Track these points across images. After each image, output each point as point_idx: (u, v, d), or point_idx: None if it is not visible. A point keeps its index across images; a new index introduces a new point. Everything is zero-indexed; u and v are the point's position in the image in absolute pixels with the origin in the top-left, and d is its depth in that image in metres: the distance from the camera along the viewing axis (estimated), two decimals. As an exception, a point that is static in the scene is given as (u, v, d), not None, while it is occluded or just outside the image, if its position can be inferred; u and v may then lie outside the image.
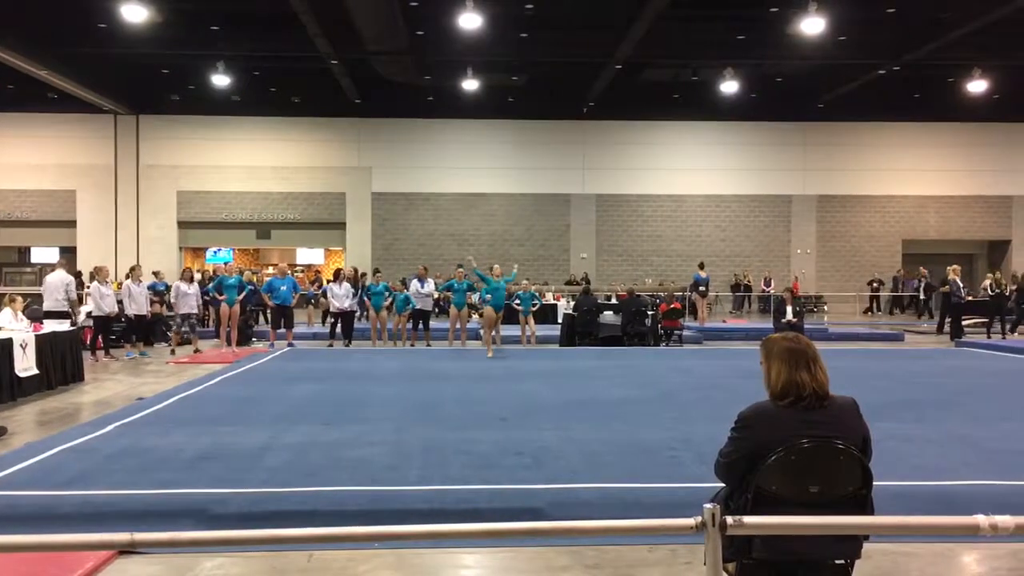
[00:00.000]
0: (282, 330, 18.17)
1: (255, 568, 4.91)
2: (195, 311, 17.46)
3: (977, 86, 25.52)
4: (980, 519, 2.35)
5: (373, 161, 31.53)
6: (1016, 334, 20.27)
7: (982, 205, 32.32)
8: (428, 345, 18.54)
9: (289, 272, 19.63)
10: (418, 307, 18.85)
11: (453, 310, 18.47)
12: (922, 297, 28.44)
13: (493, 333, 17.38)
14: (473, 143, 31.54)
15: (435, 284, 19.95)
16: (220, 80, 25.71)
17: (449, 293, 18.86)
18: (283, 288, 17.92)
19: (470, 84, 26.25)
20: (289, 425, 8.65)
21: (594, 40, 23.27)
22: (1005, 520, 2.33)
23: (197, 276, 19.87)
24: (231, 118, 30.76)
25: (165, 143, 31.16)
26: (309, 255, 34.82)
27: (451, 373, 13.33)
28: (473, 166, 31.45)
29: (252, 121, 30.96)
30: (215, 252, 33.15)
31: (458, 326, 18.44)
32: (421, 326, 18.93)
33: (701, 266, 25.18)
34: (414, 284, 19.14)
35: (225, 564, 4.92)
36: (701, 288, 24.21)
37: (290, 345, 17.90)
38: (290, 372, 13.50)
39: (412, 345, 18.53)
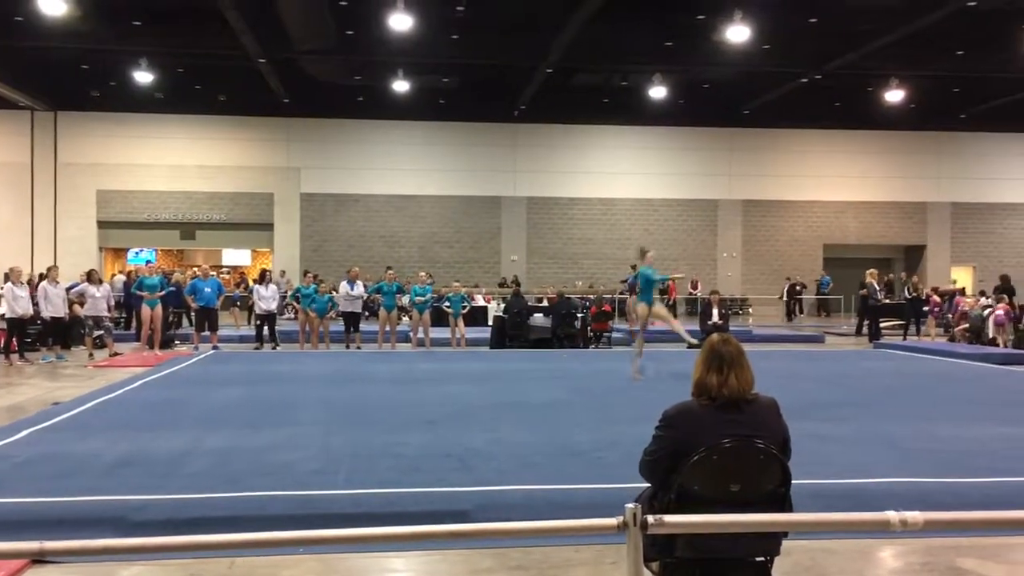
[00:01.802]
0: (206, 333, 17.82)
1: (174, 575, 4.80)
2: (105, 314, 16.98)
3: (894, 95, 26.34)
4: (891, 515, 2.42)
5: (302, 161, 31.13)
6: (920, 336, 20.94)
7: (899, 211, 33.37)
8: (358, 348, 18.38)
9: (213, 274, 19.25)
10: (348, 309, 18.69)
11: (383, 312, 18.38)
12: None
13: (421, 335, 17.37)
14: (404, 144, 31.38)
15: (364, 286, 19.78)
16: (142, 77, 25.09)
17: (379, 295, 18.73)
18: (207, 290, 17.57)
19: (401, 85, 26.11)
20: (212, 429, 8.47)
21: (525, 44, 23.35)
22: (915, 516, 2.40)
23: (122, 277, 19.37)
24: (154, 116, 30.04)
25: (85, 141, 30.27)
26: (236, 256, 34.20)
27: (380, 376, 13.23)
28: (404, 168, 31.29)
29: (176, 119, 30.28)
30: (137, 253, 32.33)
31: (387, 328, 18.34)
32: (352, 328, 18.76)
33: (634, 267, 25.29)
34: (344, 286, 18.97)
35: (143, 572, 4.79)
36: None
37: (215, 348, 17.55)
38: (214, 375, 13.24)
39: (348, 347, 18.36)
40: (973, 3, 19.34)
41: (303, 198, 31.23)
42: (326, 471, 6.76)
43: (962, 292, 21.68)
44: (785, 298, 30.47)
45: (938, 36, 22.24)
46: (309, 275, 19.46)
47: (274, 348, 18.11)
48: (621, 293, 28.69)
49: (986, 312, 19.44)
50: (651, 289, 12.46)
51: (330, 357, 16.58)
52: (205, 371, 13.90)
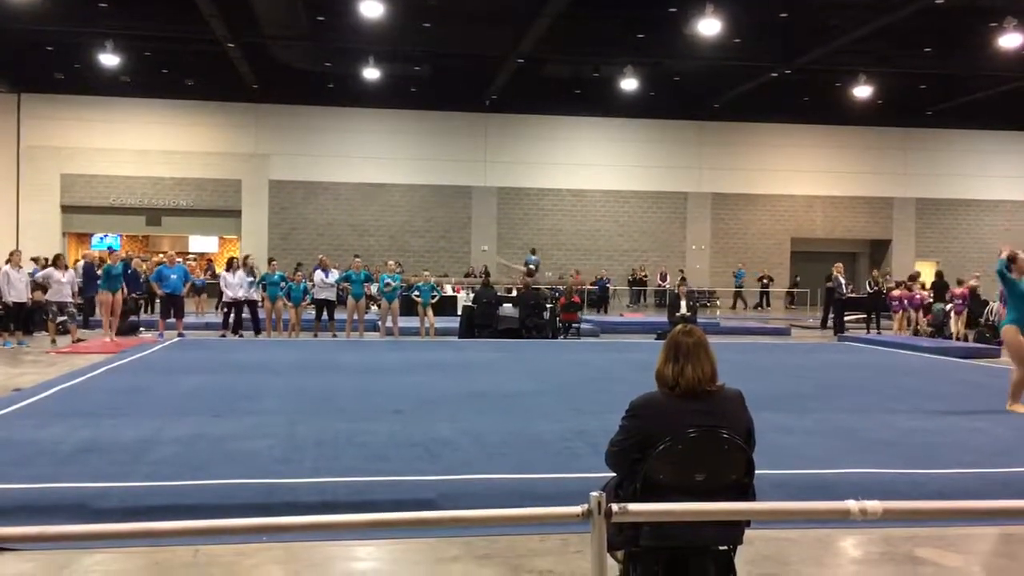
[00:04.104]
0: (172, 320, 17.63)
1: (137, 564, 4.75)
2: (69, 300, 16.72)
3: (862, 91, 26.62)
4: (851, 504, 2.45)
5: (271, 148, 30.87)
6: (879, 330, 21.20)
7: (865, 206, 33.77)
8: (334, 336, 18.29)
9: (180, 260, 19.04)
10: (322, 297, 18.62)
11: (351, 301, 18.31)
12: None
13: (389, 324, 17.35)
14: (375, 132, 31.21)
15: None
16: (108, 60, 24.72)
17: (347, 284, 18.65)
18: (173, 276, 17.38)
19: (372, 73, 25.96)
20: (176, 417, 8.39)
21: (497, 33, 23.31)
22: (874, 505, 2.43)
23: (83, 263, 19.09)
24: (120, 99, 29.64)
25: (48, 124, 29.79)
26: (203, 243, 33.87)
27: (347, 365, 13.17)
28: (374, 156, 31.13)
29: (143, 103, 29.89)
30: (101, 238, 31.92)
31: (355, 317, 18.28)
32: (326, 316, 18.67)
33: (533, 251, 25.19)
34: (318, 274, 18.88)
35: (105, 560, 4.74)
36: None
37: (180, 335, 17.37)
38: (179, 363, 13.10)
39: (316, 335, 18.26)
40: (940, 1, 19.56)
41: (272, 185, 30.98)
42: (291, 459, 6.72)
43: (922, 287, 21.95)
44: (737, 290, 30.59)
45: (906, 33, 22.51)
46: (274, 263, 19.32)
47: (241, 336, 17.97)
48: (592, 284, 28.86)
49: (948, 307, 19.73)
50: None
51: (297, 346, 16.48)
52: (170, 359, 13.75)
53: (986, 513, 3.40)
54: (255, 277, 18.54)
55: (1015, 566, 5.11)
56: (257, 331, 18.20)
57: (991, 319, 18.79)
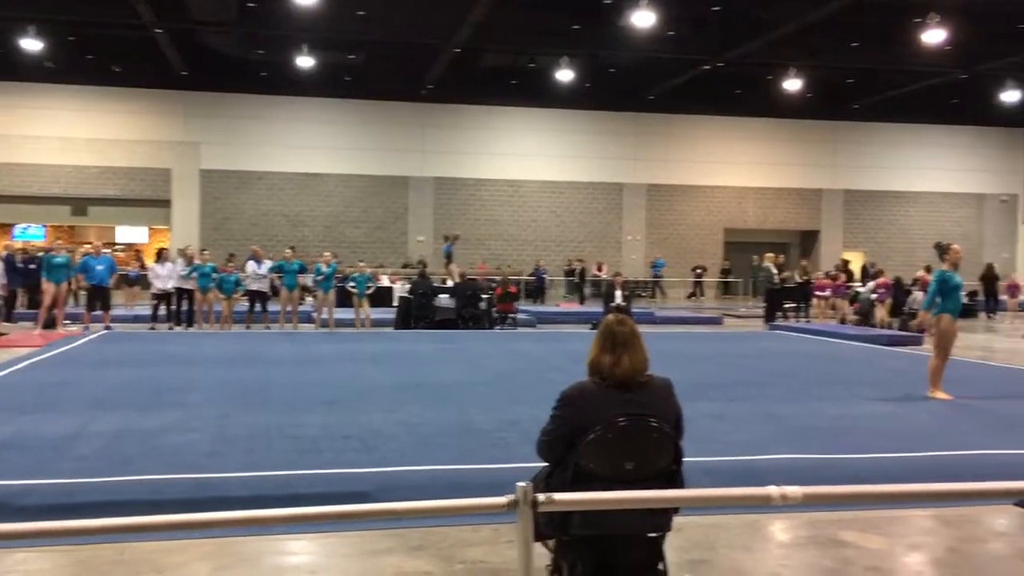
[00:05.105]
0: (99, 312, 17.20)
1: (60, 563, 4.64)
2: None
3: (792, 84, 27.12)
4: (772, 490, 2.51)
5: (201, 136, 30.22)
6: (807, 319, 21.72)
7: (795, 197, 34.45)
8: (267, 328, 18.04)
9: (107, 251, 18.58)
10: (255, 288, 18.34)
11: (284, 292, 18.10)
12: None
13: (325, 315, 17.18)
14: (309, 122, 30.78)
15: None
16: (30, 44, 23.91)
17: (280, 275, 18.42)
18: (99, 268, 16.94)
19: (305, 61, 25.58)
20: (103, 412, 8.19)
21: (433, 22, 23.17)
22: (794, 490, 2.49)
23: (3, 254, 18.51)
24: (44, 85, 28.69)
25: (-33, 110, 28.73)
26: (131, 233, 33.03)
27: (280, 356, 13.01)
28: (309, 145, 30.71)
29: (67, 90, 28.98)
30: (24, 229, 30.95)
31: (289, 308, 18.07)
32: (259, 308, 18.41)
33: (447, 238, 25.05)
34: (251, 265, 18.60)
35: (27, 559, 4.62)
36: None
37: (107, 328, 16.96)
38: (106, 356, 12.79)
39: (249, 327, 17.98)
40: (867, -3, 20.03)
41: (203, 174, 30.36)
42: (221, 453, 6.63)
43: (848, 276, 22.58)
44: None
45: (834, 28, 22.99)
46: (206, 253, 18.98)
47: (171, 328, 17.63)
48: (531, 275, 28.98)
49: (873, 296, 20.28)
50: None
51: (229, 338, 16.22)
52: (96, 352, 13.43)
53: (904, 496, 3.51)
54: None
55: (935, 545, 5.29)
56: (189, 323, 17.86)
57: (913, 308, 19.39)
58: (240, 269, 19.08)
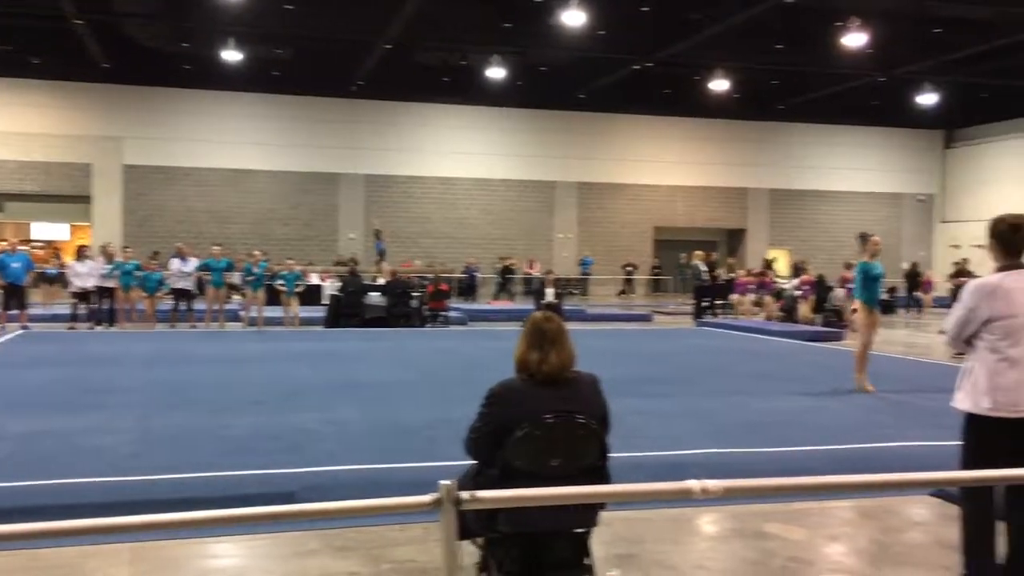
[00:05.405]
0: (15, 311, 16.63)
1: (-31, 572, 4.47)
2: None
3: (719, 85, 27.58)
4: (692, 484, 2.54)
5: (125, 131, 29.45)
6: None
7: (722, 196, 35.06)
8: (193, 327, 17.67)
9: (24, 248, 17.99)
10: (179, 286, 17.95)
11: (211, 290, 17.75)
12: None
13: (253, 314, 16.88)
14: (237, 117, 30.24)
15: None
16: (-58, 33, 23.02)
17: (206, 273, 18.06)
18: (15, 265, 16.38)
19: (232, 55, 25.09)
20: (19, 414, 7.92)
21: (363, 17, 22.95)
22: (715, 484, 2.52)
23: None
24: (-43, 77, 27.66)
25: None
26: (51, 230, 31.99)
27: (207, 356, 12.76)
28: (237, 141, 30.18)
29: (-18, 82, 27.99)
30: (-63, 225, 29.75)
31: (216, 307, 17.74)
32: (184, 306, 18.01)
33: (377, 234, 24.75)
34: (175, 263, 18.19)
35: (-67, 569, 4.43)
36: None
37: (24, 328, 16.41)
38: (23, 356, 12.39)
39: (174, 326, 17.58)
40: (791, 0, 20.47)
41: (126, 170, 29.59)
42: (143, 455, 6.47)
43: (770, 273, 23.11)
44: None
45: (759, 30, 23.45)
46: (129, 250, 18.52)
47: (111, 325, 17.19)
48: (463, 272, 28.93)
49: (797, 293, 20.75)
50: None
51: (153, 337, 15.85)
52: (12, 352, 13.01)
53: (823, 488, 3.60)
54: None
55: (855, 536, 5.43)
56: (110, 322, 17.40)
57: (835, 304, 19.91)
58: (164, 267, 18.66)
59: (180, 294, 18.00)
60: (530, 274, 30.24)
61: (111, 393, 9.26)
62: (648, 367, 12.23)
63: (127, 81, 28.67)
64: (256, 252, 19.11)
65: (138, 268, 17.44)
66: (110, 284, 17.31)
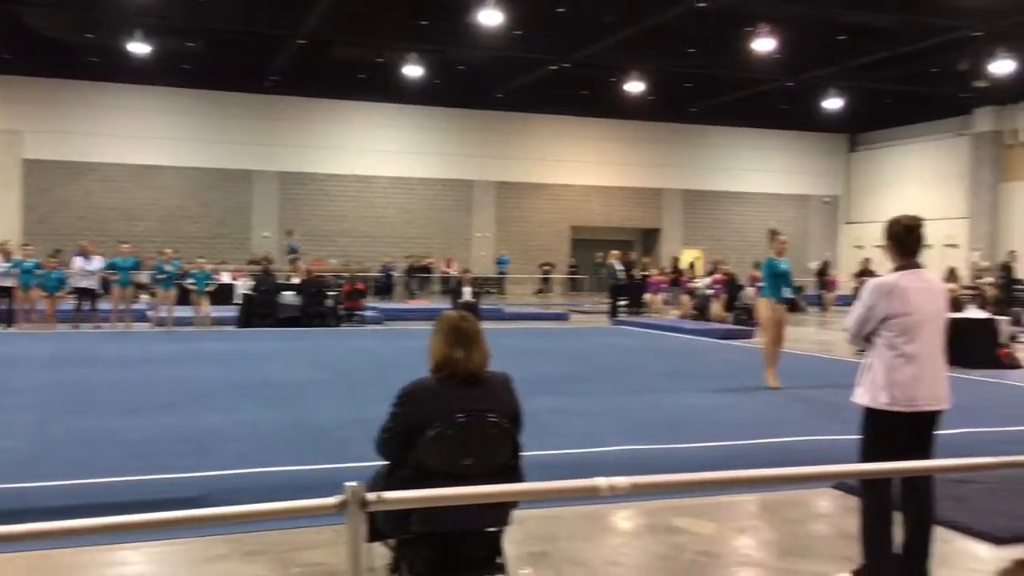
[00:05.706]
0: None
1: None
2: None
3: (634, 87, 27.95)
4: (600, 481, 2.55)
5: (25, 124, 28.31)
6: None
7: (637, 196, 35.55)
8: (97, 327, 17.08)
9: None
10: (82, 285, 17.35)
11: (117, 289, 17.21)
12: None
13: (163, 313, 16.42)
14: (145, 111, 29.33)
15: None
16: None
17: (112, 273, 17.50)
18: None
19: (139, 47, 24.31)
20: (-95, 420, 7.54)
21: (276, 11, 22.53)
22: (622, 481, 2.54)
23: None
24: None
25: None
26: (-56, 227, 30.56)
27: (111, 357, 12.36)
28: (145, 135, 29.28)
29: None
30: None
31: (122, 307, 17.21)
32: (88, 306, 17.40)
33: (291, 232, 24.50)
34: (78, 261, 17.58)
35: None
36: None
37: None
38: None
39: (76, 327, 16.98)
40: (703, 4, 20.83)
41: (26, 164, 28.44)
42: (40, 461, 6.22)
43: (686, 271, 23.59)
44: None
45: (672, 33, 23.83)
46: (29, 248, 17.83)
47: (8, 326, 16.50)
48: (381, 271, 28.68)
49: (709, 292, 21.19)
50: None
51: (53, 337, 15.28)
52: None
53: (729, 482, 3.66)
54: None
55: (762, 528, 5.56)
56: (8, 322, 16.70)
57: (745, 302, 20.38)
58: (66, 265, 18.01)
59: (83, 293, 17.43)
60: (447, 273, 30.16)
61: (6, 396, 8.89)
62: (564, 366, 12.32)
63: (28, 72, 27.55)
64: (167, 250, 18.61)
65: (38, 266, 16.82)
66: (8, 283, 16.64)
